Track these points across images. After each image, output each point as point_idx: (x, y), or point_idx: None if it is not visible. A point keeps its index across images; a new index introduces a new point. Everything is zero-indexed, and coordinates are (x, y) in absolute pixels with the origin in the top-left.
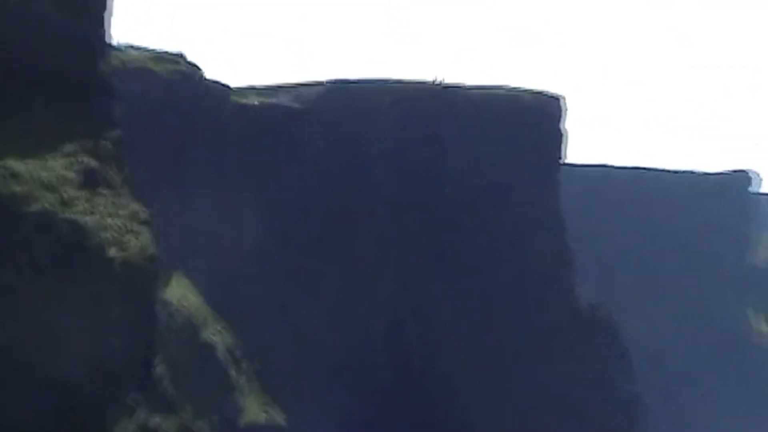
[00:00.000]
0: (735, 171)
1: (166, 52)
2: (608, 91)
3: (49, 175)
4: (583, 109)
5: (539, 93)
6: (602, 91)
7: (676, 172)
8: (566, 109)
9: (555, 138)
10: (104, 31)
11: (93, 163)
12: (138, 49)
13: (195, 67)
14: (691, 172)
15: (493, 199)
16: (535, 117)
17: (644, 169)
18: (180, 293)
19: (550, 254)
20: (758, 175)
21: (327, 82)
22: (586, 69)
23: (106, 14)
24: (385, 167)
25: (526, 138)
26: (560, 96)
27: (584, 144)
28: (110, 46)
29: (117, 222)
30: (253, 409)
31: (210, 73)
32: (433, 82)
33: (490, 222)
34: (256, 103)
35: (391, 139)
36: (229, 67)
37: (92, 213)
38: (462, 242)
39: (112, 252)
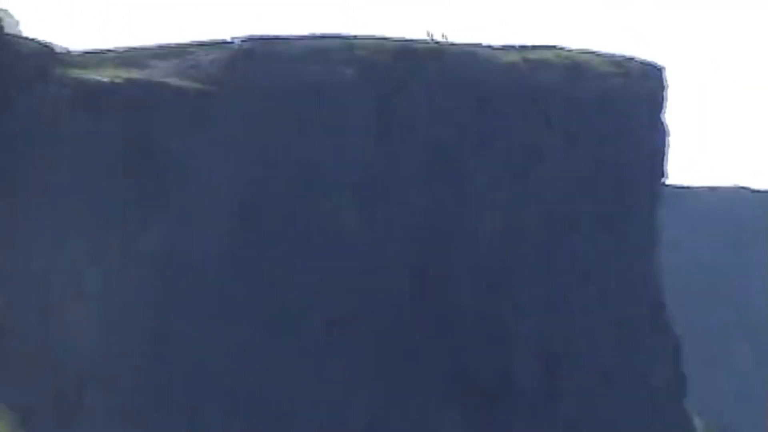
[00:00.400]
0: None
1: None
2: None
3: None
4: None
5: (626, 58)
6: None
7: None
8: (668, 88)
9: (656, 137)
10: None
11: None
12: None
13: None
14: None
15: (552, 257)
16: (622, 99)
17: None
18: None
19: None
20: None
21: (240, 41)
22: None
23: None
24: (356, 193)
25: (605, 136)
26: (662, 66)
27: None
28: None
29: None
30: None
31: (28, 27)
32: (429, 38)
33: (546, 303)
34: (105, 79)
35: (362, 140)
36: (59, 18)
37: None
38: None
39: None
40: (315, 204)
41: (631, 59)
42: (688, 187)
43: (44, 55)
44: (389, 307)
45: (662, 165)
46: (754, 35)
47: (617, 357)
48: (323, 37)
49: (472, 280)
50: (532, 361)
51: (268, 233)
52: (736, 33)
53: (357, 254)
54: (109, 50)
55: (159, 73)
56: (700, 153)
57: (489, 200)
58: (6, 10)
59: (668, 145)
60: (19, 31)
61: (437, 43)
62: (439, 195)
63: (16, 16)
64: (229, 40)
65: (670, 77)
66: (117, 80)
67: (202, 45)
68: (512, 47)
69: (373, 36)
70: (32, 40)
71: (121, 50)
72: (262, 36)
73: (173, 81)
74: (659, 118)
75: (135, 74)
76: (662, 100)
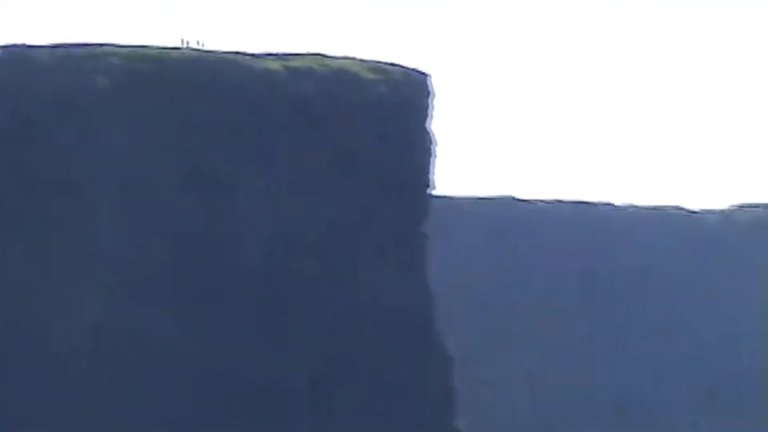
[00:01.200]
0: None
1: None
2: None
3: None
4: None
5: (390, 65)
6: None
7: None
8: (434, 96)
9: (421, 146)
10: None
11: None
12: None
13: None
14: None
15: (320, 267)
16: (385, 106)
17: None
18: None
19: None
20: None
21: None
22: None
23: None
24: (111, 200)
25: (369, 145)
26: (427, 73)
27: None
28: None
29: None
30: None
31: None
32: (185, 46)
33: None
34: None
35: (114, 150)
36: None
37: None
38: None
39: None
40: (65, 209)
41: (395, 66)
42: (454, 197)
43: None
44: (149, 314)
45: (428, 175)
46: (526, 44)
47: (384, 373)
48: (74, 45)
49: (239, 287)
50: (297, 373)
51: (15, 239)
52: (506, 42)
53: (113, 259)
54: None
55: None
56: (469, 163)
57: (254, 209)
58: None
59: (435, 155)
60: None
61: (194, 50)
62: (201, 204)
63: None
64: None
65: (438, 86)
66: None
67: None
68: (272, 55)
69: (128, 45)
70: None
71: None
72: (10, 44)
73: None
74: (425, 127)
75: None
76: (428, 107)
